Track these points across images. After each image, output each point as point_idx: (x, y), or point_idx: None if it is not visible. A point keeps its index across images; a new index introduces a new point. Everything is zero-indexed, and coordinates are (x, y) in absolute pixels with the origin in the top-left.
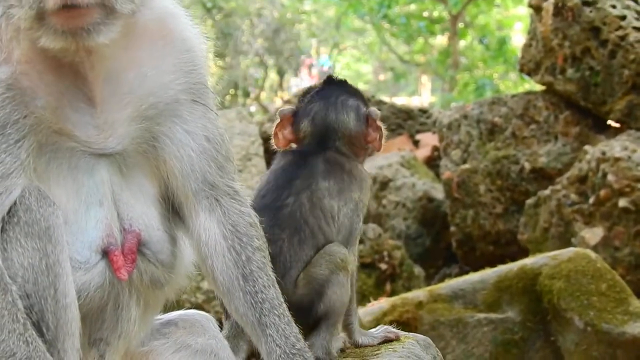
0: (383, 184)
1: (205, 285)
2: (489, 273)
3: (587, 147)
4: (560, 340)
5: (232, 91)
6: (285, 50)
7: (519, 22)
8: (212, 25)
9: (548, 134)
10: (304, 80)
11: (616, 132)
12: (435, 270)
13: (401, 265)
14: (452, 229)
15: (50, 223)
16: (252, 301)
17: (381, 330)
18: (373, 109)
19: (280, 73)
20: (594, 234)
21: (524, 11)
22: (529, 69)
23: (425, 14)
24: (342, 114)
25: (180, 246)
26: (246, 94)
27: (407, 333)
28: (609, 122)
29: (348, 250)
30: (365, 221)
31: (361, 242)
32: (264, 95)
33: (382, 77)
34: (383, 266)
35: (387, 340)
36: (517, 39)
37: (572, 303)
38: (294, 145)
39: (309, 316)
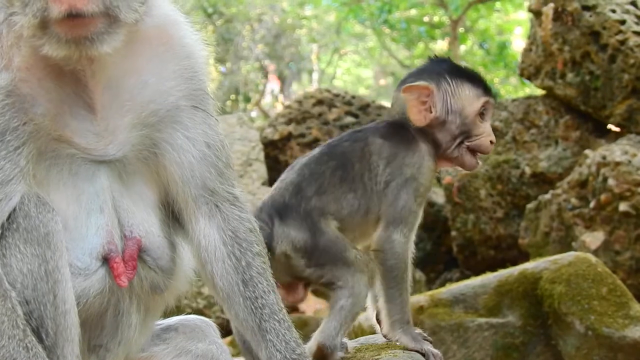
0: None
1: (206, 290)
2: (489, 277)
3: (587, 152)
4: (561, 344)
5: (232, 97)
6: (286, 55)
7: (519, 26)
8: (213, 30)
9: (548, 139)
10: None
11: (616, 136)
12: (436, 275)
13: None
14: (453, 233)
15: (49, 229)
16: (252, 307)
17: (425, 343)
18: None
19: (281, 78)
20: (594, 238)
21: (524, 16)
22: (529, 73)
23: (426, 18)
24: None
25: (180, 252)
26: (247, 100)
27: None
28: (609, 126)
29: (393, 230)
30: None
31: None
32: (264, 101)
33: (382, 82)
34: None
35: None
36: (518, 43)
37: (573, 307)
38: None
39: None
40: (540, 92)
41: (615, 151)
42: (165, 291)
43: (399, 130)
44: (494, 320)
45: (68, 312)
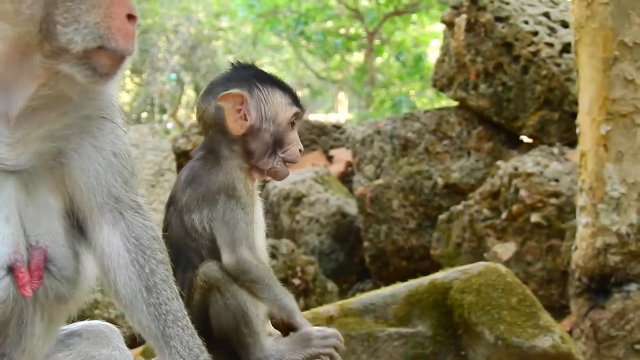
0: (297, 200)
1: None
2: (399, 287)
3: (499, 163)
4: (471, 354)
5: (148, 108)
6: (202, 67)
7: (435, 39)
8: None
9: (461, 150)
10: None
11: (528, 147)
12: (348, 286)
13: (314, 280)
14: (366, 244)
15: None
16: (156, 313)
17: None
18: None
19: (197, 90)
20: (506, 249)
21: (441, 28)
22: (442, 84)
23: (342, 30)
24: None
25: (84, 262)
26: (162, 111)
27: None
28: (522, 137)
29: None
30: (279, 237)
31: (274, 257)
32: (180, 112)
33: (298, 94)
34: (296, 282)
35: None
36: (434, 55)
37: (483, 317)
38: None
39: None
40: (453, 103)
41: (527, 162)
42: (70, 301)
43: (205, 158)
44: (404, 330)
45: None
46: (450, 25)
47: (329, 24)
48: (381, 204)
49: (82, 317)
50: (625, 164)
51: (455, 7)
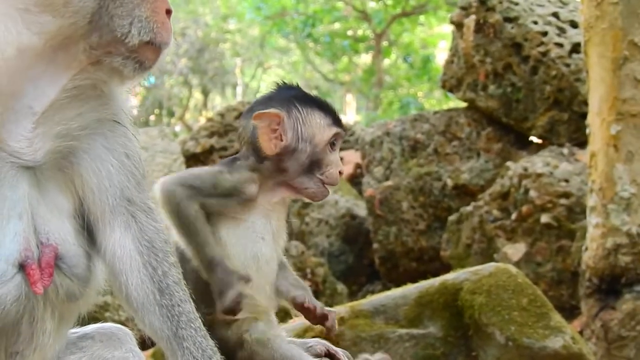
0: (306, 202)
1: None
2: (410, 288)
3: (509, 163)
4: (482, 355)
5: (157, 111)
6: (210, 69)
7: (443, 40)
8: None
9: (470, 151)
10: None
11: (538, 148)
12: (358, 287)
13: (324, 282)
14: (375, 245)
15: None
16: (169, 314)
17: None
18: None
19: (205, 92)
20: (516, 249)
21: (449, 29)
22: (450, 85)
23: (350, 32)
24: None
25: (95, 262)
26: (170, 114)
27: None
28: (531, 138)
29: None
30: (289, 238)
31: None
32: (188, 114)
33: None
34: (306, 283)
35: None
36: (442, 57)
37: (493, 318)
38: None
39: None
40: (462, 104)
41: (537, 163)
42: (80, 299)
43: (221, 164)
44: (414, 331)
45: None
46: (459, 26)
47: (337, 25)
48: (390, 205)
49: (93, 319)
50: (636, 164)
51: (464, 8)
